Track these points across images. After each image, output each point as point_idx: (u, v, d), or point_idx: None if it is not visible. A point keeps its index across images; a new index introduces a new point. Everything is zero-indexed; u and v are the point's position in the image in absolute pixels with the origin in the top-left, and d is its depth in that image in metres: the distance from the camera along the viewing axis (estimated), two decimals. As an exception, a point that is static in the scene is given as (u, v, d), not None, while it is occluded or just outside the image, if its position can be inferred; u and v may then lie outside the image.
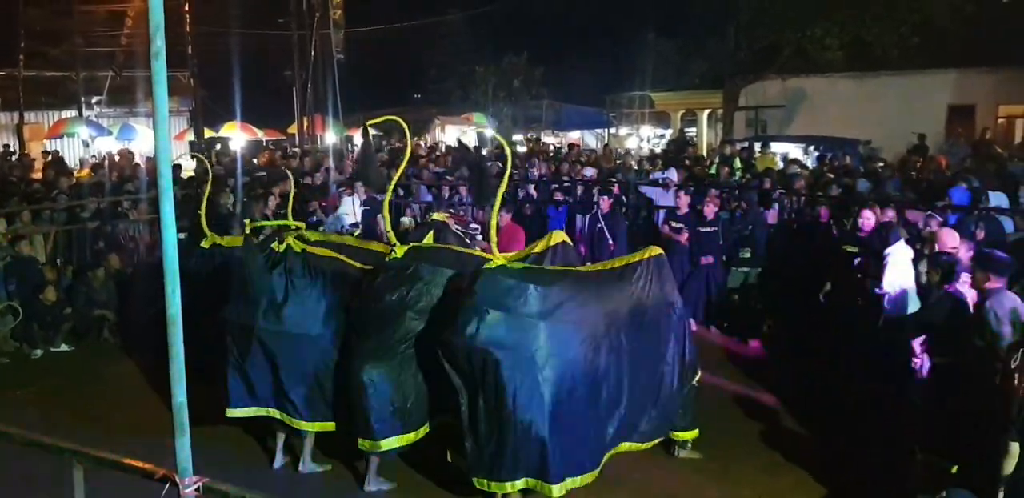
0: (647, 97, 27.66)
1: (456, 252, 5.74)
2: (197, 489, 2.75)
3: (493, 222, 5.10)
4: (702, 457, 5.98)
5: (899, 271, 7.19)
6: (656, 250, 5.67)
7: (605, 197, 10.40)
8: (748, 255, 9.38)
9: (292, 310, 5.67)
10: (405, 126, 5.74)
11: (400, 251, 5.45)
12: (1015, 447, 4.30)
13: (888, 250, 7.27)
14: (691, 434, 5.92)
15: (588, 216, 10.64)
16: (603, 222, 10.02)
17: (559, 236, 5.86)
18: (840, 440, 6.42)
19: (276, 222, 7.08)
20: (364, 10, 26.23)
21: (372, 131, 13.69)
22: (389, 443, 5.32)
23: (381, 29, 28.94)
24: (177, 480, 2.75)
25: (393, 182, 6.41)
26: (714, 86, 23.93)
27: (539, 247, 5.74)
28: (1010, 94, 19.76)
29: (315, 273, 5.77)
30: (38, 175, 15.37)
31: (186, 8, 22.20)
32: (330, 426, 5.80)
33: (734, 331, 9.34)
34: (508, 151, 5.29)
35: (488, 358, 4.68)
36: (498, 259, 4.92)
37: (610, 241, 9.86)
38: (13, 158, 17.94)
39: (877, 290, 7.33)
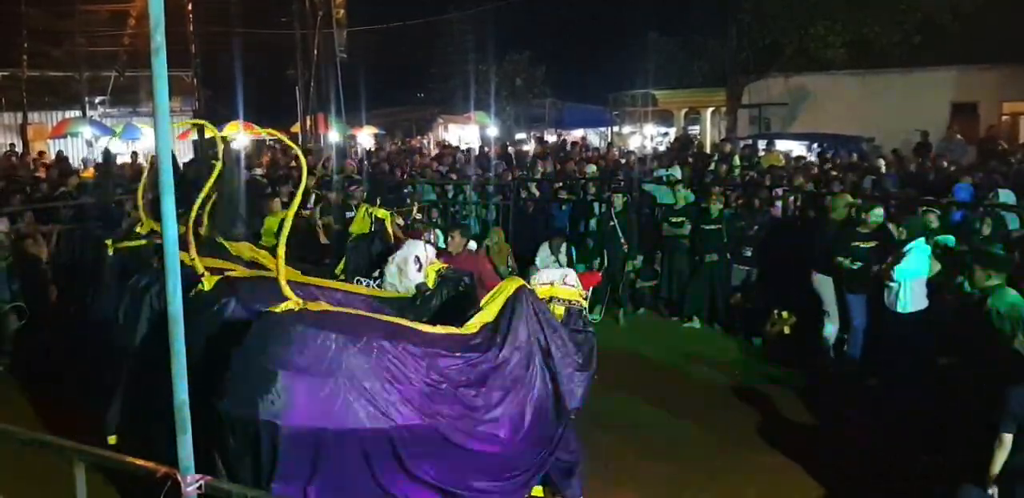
0: (650, 95, 27.58)
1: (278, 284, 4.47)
2: (199, 487, 2.74)
3: (280, 250, 3.81)
4: None
5: (914, 266, 7.10)
6: (517, 282, 4.54)
7: (619, 195, 10.20)
8: (749, 253, 9.36)
9: None
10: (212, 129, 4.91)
11: (209, 282, 4.38)
12: (1007, 438, 4.34)
13: (911, 244, 7.16)
14: None
15: (600, 213, 10.54)
16: (616, 220, 9.89)
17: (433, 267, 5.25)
18: (843, 440, 6.41)
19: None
20: (367, 9, 26.21)
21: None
22: None
23: (384, 28, 28.92)
24: (179, 478, 2.74)
25: (199, 200, 4.74)
26: (717, 84, 23.94)
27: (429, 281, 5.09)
28: (1013, 91, 19.68)
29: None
30: (40, 174, 15.36)
31: (189, 8, 22.23)
32: None
33: (736, 330, 9.34)
34: (302, 159, 4.15)
35: (269, 435, 3.52)
36: (290, 303, 3.73)
37: (622, 239, 9.78)
38: (15, 159, 17.90)
39: (888, 283, 7.26)
